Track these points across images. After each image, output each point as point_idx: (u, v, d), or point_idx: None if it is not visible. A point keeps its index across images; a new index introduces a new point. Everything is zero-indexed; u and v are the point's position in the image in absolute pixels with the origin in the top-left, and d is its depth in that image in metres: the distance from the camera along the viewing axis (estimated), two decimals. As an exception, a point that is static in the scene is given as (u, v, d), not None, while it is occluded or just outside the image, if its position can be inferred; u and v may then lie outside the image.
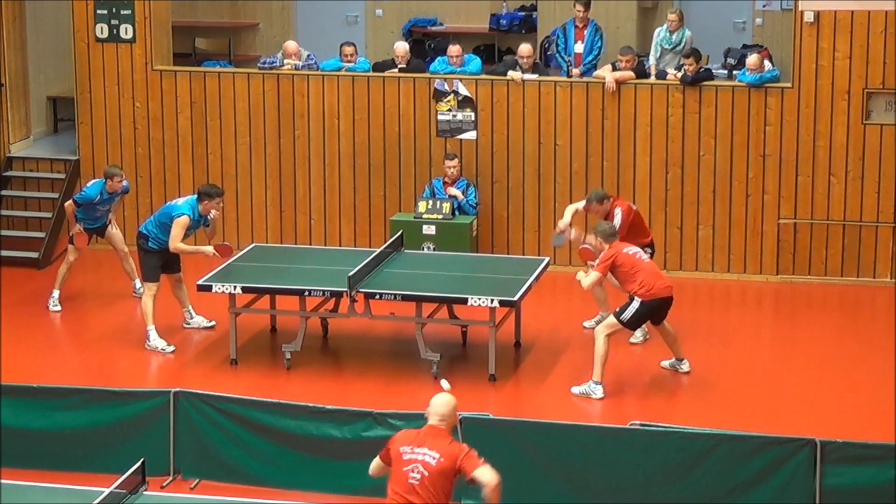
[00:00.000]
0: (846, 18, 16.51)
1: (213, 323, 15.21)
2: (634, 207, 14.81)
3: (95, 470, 11.36)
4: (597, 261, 13.54)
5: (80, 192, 16.14)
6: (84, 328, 15.69)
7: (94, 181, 16.05)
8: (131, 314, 15.48)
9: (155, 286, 14.66)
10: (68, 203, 15.96)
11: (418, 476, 8.97)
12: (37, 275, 17.44)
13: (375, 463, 9.31)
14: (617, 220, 14.16)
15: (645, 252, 13.89)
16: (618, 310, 13.46)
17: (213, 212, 14.62)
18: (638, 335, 14.71)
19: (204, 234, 15.17)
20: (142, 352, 14.64)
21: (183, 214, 14.46)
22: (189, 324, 15.19)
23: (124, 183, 15.92)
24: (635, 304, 13.35)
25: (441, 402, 9.26)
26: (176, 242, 14.42)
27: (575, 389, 13.41)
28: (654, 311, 13.52)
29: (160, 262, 14.71)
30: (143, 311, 14.65)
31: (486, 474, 8.99)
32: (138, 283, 16.07)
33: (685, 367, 14.05)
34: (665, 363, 14.12)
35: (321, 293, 14.03)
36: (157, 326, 14.61)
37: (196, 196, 14.67)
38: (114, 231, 16.22)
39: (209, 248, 14.61)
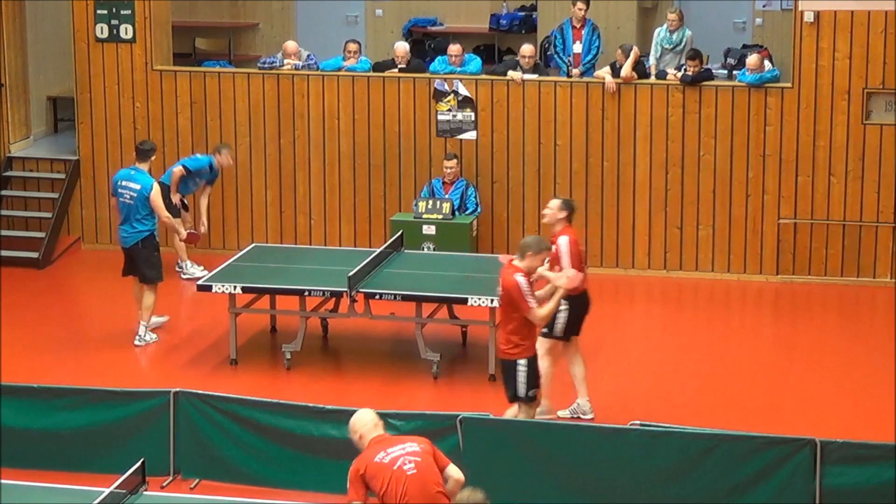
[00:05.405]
0: (846, 18, 16.51)
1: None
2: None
3: (95, 470, 11.35)
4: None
5: (191, 159, 16.85)
6: (84, 328, 15.69)
7: (204, 155, 16.97)
8: (131, 314, 15.44)
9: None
10: (178, 168, 16.59)
11: (413, 466, 8.94)
12: (37, 275, 17.43)
13: None
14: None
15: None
16: None
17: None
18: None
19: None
20: (141, 352, 14.65)
21: (153, 184, 14.72)
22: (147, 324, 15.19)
23: (217, 170, 16.90)
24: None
25: (364, 413, 9.29)
26: (164, 211, 14.81)
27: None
28: None
29: None
30: (147, 307, 14.87)
31: (459, 471, 9.14)
32: (189, 264, 16.96)
33: None
34: None
35: (321, 293, 14.03)
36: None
37: (139, 161, 15.00)
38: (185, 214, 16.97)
39: (183, 233, 15.51)
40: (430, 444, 9.15)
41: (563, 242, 12.44)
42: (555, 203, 12.76)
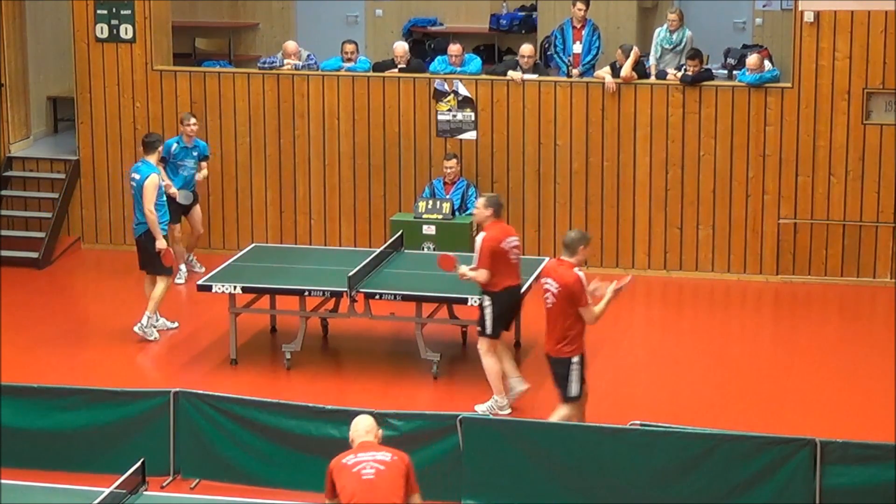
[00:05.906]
0: (846, 18, 16.51)
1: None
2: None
3: (95, 470, 11.35)
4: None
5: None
6: (84, 328, 15.69)
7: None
8: (131, 314, 15.44)
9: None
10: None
11: (373, 472, 8.93)
12: (37, 275, 17.43)
13: None
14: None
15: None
16: None
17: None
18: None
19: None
20: (141, 352, 14.65)
21: (150, 175, 14.69)
22: (155, 325, 15.13)
23: (202, 144, 16.71)
24: None
25: (363, 419, 9.32)
26: (150, 205, 14.64)
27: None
28: None
29: None
30: (154, 297, 14.91)
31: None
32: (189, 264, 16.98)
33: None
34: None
35: (321, 293, 14.03)
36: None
37: (146, 153, 15.02)
38: (197, 209, 16.89)
39: (162, 243, 14.74)
40: (408, 464, 9.10)
41: (478, 240, 12.83)
42: (480, 202, 13.01)
